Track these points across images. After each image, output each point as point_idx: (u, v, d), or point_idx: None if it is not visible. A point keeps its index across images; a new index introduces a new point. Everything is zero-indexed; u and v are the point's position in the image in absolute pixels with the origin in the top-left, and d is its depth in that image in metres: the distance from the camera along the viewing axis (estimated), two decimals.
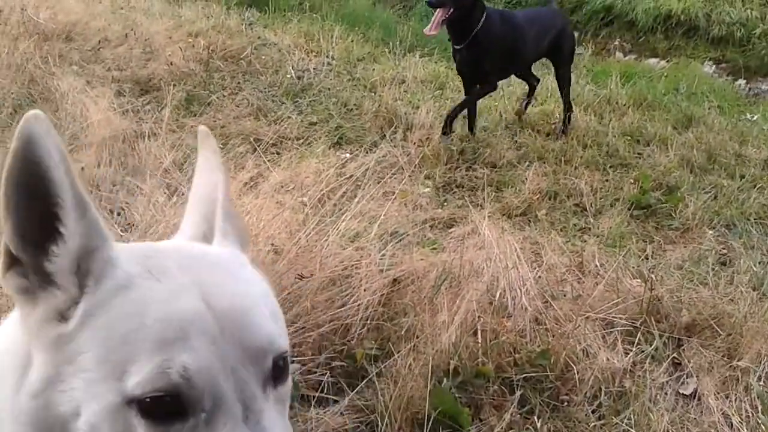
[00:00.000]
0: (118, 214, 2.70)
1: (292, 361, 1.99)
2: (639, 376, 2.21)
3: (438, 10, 3.78)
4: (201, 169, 0.86)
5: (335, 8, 7.01)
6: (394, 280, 2.36)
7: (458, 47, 3.94)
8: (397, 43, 5.78)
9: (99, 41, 4.78)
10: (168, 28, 5.06)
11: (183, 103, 4.04)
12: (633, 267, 2.84)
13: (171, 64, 4.46)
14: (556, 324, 2.30)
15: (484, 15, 3.88)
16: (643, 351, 2.31)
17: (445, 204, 3.33)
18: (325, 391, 1.97)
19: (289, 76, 4.69)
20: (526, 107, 4.58)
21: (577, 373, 2.09)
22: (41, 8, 5.08)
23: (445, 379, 1.95)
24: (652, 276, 2.64)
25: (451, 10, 3.76)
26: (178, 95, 4.05)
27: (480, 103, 4.70)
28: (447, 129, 3.95)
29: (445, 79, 5.17)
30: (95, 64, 4.47)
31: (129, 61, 4.55)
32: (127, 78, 4.13)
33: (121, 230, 2.50)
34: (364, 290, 2.26)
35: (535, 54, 4.34)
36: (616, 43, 8.15)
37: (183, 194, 2.61)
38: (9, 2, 4.93)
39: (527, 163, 3.85)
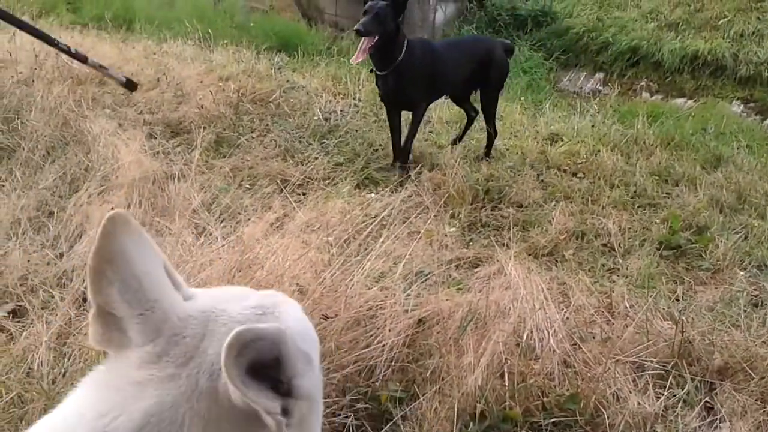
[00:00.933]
0: None
1: None
2: (671, 420, 2.15)
3: (364, 38, 3.89)
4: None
5: None
6: (419, 320, 2.34)
7: (381, 74, 4.08)
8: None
9: None
10: (199, 72, 5.19)
11: (212, 145, 4.11)
12: (663, 308, 2.79)
13: (202, 107, 4.56)
14: (586, 367, 2.25)
15: (406, 44, 4.03)
16: (674, 395, 2.25)
17: (471, 243, 3.31)
18: None
19: (316, 117, 4.75)
20: (459, 140, 4.68)
21: (608, 417, 2.04)
22: None
23: (471, 423, 1.92)
24: (683, 318, 2.58)
25: (376, 38, 3.88)
26: (208, 137, 4.12)
27: (504, 143, 4.73)
28: (403, 162, 4.15)
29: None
30: (127, 108, 4.59)
31: (161, 105, 4.66)
32: (158, 121, 4.22)
33: None
34: (389, 331, 2.24)
35: (459, 79, 4.45)
36: (643, 83, 8.15)
37: (211, 234, 2.63)
38: (44, 48, 5.08)
39: (553, 202, 3.84)
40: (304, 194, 3.66)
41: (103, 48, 5.70)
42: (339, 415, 1.99)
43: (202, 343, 0.72)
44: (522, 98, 6.31)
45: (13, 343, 2.23)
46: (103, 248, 0.70)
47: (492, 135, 4.51)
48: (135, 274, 0.71)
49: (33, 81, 4.50)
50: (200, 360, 0.70)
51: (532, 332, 2.34)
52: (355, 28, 3.94)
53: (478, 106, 4.65)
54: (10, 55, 4.83)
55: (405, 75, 4.03)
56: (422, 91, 4.23)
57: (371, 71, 4.19)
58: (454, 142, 4.65)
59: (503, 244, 3.21)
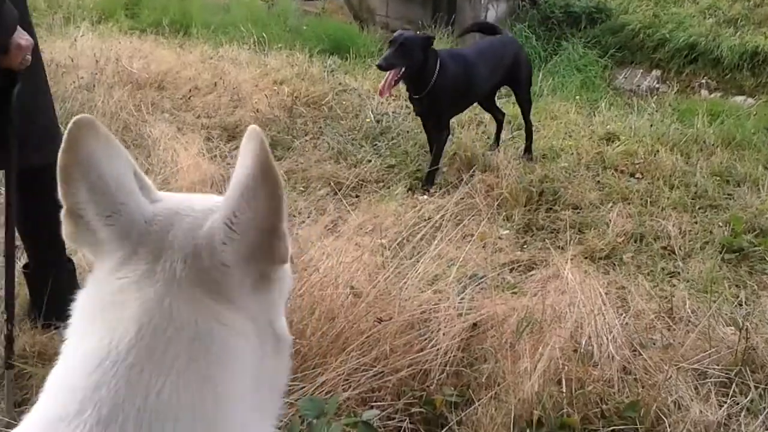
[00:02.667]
0: None
1: (371, 406, 1.99)
2: (734, 429, 2.08)
3: (389, 71, 3.71)
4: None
5: None
6: (474, 324, 2.33)
7: (417, 97, 3.92)
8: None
9: (189, 90, 5.02)
10: (254, 76, 5.27)
11: None
12: (726, 314, 2.71)
13: (257, 110, 4.63)
14: (646, 374, 2.20)
15: (438, 63, 3.83)
16: (737, 403, 2.18)
17: (525, 246, 3.28)
18: None
19: (368, 120, 4.78)
20: (496, 145, 4.51)
21: (669, 426, 1.99)
22: (135, 59, 5.38)
23: (528, 430, 1.90)
24: (747, 324, 2.50)
25: (403, 69, 3.71)
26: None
27: (559, 143, 4.66)
28: (428, 186, 3.88)
29: (521, 122, 5.13)
30: (185, 112, 4.69)
31: (218, 109, 4.75)
32: (215, 125, 4.31)
33: None
34: (443, 334, 2.24)
35: (490, 86, 4.35)
36: (702, 80, 7.92)
37: None
38: (105, 53, 5.24)
39: (611, 204, 3.76)
40: (357, 197, 3.68)
41: (161, 53, 5.84)
42: (394, 418, 1.99)
43: (168, 235, 0.72)
44: (577, 97, 6.21)
45: None
46: (70, 149, 0.71)
47: (531, 131, 4.48)
48: (102, 176, 0.72)
49: (94, 86, 4.64)
50: (170, 251, 0.71)
51: (590, 338, 2.31)
52: (376, 63, 3.84)
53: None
54: (72, 60, 4.99)
55: (440, 95, 3.90)
56: (456, 105, 4.15)
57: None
58: (491, 148, 4.51)
59: (559, 247, 3.16)
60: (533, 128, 4.55)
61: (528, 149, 4.45)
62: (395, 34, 3.85)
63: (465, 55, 4.20)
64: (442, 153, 4.07)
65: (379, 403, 2.01)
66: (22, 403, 2.09)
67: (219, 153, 3.94)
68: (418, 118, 4.28)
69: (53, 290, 2.33)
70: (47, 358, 2.26)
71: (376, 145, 4.47)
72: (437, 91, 3.85)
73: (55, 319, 2.32)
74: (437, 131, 4.04)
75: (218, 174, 3.52)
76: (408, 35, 3.78)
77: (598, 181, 4.10)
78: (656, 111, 5.82)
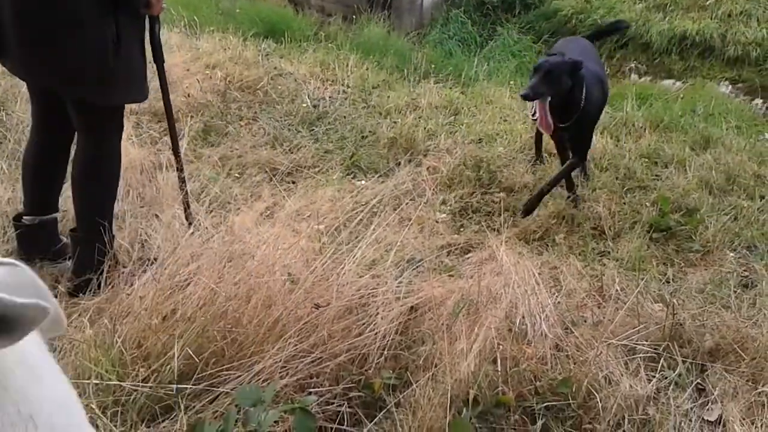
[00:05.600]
0: (141, 246, 2.72)
1: (310, 393, 1.98)
2: (663, 403, 2.16)
3: (535, 102, 3.35)
4: None
5: (350, 37, 7.07)
6: (412, 307, 2.34)
7: (563, 125, 3.49)
8: (412, 70, 5.82)
9: None
10: (186, 60, 5.13)
11: (200, 134, 4.08)
12: (654, 291, 2.81)
13: (188, 95, 4.51)
14: (577, 351, 2.26)
15: (585, 87, 3.44)
16: (666, 377, 2.27)
17: (462, 229, 3.31)
18: (343, 422, 1.94)
19: (304, 104, 4.72)
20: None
21: (600, 401, 2.05)
22: None
23: (464, 409, 1.92)
24: (674, 300, 2.60)
25: (549, 99, 3.33)
26: (196, 126, 4.09)
27: (494, 127, 4.71)
28: (532, 208, 3.49)
29: (459, 105, 5.18)
30: None
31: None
32: (145, 110, 4.17)
33: (144, 261, 2.52)
34: (381, 318, 2.24)
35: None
36: (632, 65, 8.14)
37: (201, 224, 2.62)
38: None
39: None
40: (293, 182, 3.64)
41: None
42: (333, 403, 1.99)
43: None
44: (511, 82, 6.28)
45: None
46: None
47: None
48: None
49: None
50: None
51: (524, 317, 2.35)
52: (520, 93, 3.40)
53: None
54: None
55: (587, 121, 3.54)
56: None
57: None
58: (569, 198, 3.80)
59: (494, 230, 3.21)
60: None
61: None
62: (541, 60, 3.45)
63: (600, 73, 3.77)
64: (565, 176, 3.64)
65: (317, 389, 2.01)
66: None
67: (149, 139, 3.83)
68: (356, 103, 4.23)
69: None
70: None
71: (313, 130, 4.43)
72: (584, 118, 3.48)
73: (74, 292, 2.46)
74: (578, 158, 3.63)
75: (148, 160, 3.43)
76: (555, 60, 3.37)
77: (532, 165, 4.16)
78: None
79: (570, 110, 3.44)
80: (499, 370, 2.10)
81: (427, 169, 3.91)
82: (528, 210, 3.47)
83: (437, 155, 4.11)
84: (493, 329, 2.19)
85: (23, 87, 3.95)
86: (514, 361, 2.16)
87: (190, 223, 2.75)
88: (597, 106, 3.60)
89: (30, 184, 2.63)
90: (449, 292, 2.44)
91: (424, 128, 4.55)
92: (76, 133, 2.49)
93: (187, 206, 2.83)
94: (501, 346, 2.16)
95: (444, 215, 3.41)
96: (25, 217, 2.63)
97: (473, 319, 2.25)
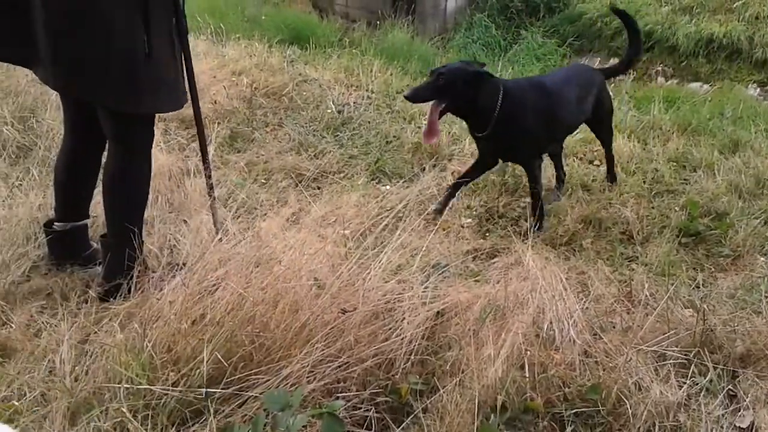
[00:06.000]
0: (170, 251, 2.76)
1: (337, 397, 1.99)
2: (694, 409, 2.14)
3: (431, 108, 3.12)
4: None
5: (374, 43, 7.10)
6: (438, 312, 2.34)
7: (480, 135, 3.34)
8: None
9: None
10: (212, 67, 5.19)
11: (227, 140, 4.12)
12: (684, 297, 2.77)
13: (215, 102, 4.56)
14: (607, 357, 2.24)
15: (501, 93, 3.21)
16: (697, 383, 2.24)
17: (488, 234, 3.30)
18: (371, 428, 1.94)
19: (329, 110, 4.75)
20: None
21: (630, 407, 2.03)
22: None
23: (492, 416, 1.92)
24: (704, 306, 2.56)
25: (443, 105, 3.12)
26: (223, 132, 4.13)
27: None
28: (539, 226, 3.39)
29: None
30: None
31: None
32: (173, 117, 4.22)
33: (173, 266, 2.55)
34: (408, 323, 2.24)
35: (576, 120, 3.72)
36: (658, 68, 8.06)
37: (228, 230, 2.64)
38: None
39: (570, 191, 3.81)
40: (319, 188, 3.66)
41: None
42: (360, 408, 1.99)
43: None
44: None
45: (38, 339, 2.25)
46: None
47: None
48: None
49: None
50: None
51: (551, 323, 2.34)
52: (404, 94, 3.22)
53: None
54: None
55: (512, 136, 3.29)
56: (537, 144, 3.46)
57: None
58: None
59: (520, 235, 3.19)
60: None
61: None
62: (442, 67, 3.22)
63: (543, 83, 3.56)
64: (541, 190, 3.45)
65: (344, 394, 2.01)
66: None
67: (177, 146, 3.87)
68: (380, 108, 4.24)
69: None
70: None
71: (337, 135, 4.45)
72: (504, 129, 3.24)
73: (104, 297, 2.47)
74: (531, 182, 3.44)
75: (176, 167, 3.47)
76: (453, 67, 3.17)
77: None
78: (614, 98, 5.89)
79: (481, 121, 3.25)
80: (527, 376, 2.09)
81: (452, 173, 3.91)
82: (539, 223, 3.39)
83: (462, 160, 4.11)
84: (521, 335, 2.18)
85: (53, 95, 4.02)
86: (542, 367, 2.15)
87: (217, 230, 2.78)
88: (533, 124, 3.32)
89: (61, 190, 2.67)
90: (475, 297, 2.43)
91: (449, 133, 4.55)
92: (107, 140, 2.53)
93: (214, 212, 2.86)
94: (528, 352, 2.15)
95: (469, 220, 3.40)
96: (56, 223, 2.68)
97: (500, 325, 2.24)
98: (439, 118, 3.13)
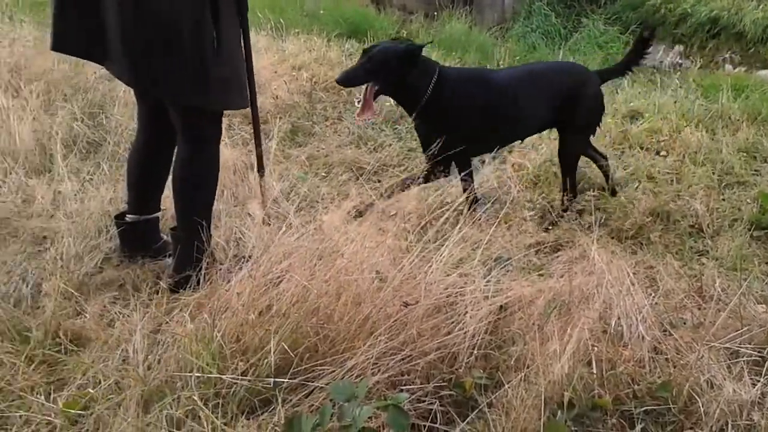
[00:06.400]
0: (236, 243, 2.82)
1: (401, 390, 2.00)
2: None
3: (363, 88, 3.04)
4: None
5: (432, 34, 7.08)
6: (501, 306, 2.32)
7: (412, 118, 3.23)
8: (495, 65, 5.76)
9: None
10: (273, 62, 5.26)
11: (288, 135, 4.18)
12: (757, 292, 2.68)
13: (276, 97, 4.63)
14: (677, 354, 2.18)
15: (435, 77, 3.07)
16: None
17: (551, 228, 3.25)
18: (436, 421, 1.95)
19: (387, 103, 4.75)
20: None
21: (702, 405, 1.97)
22: None
23: (559, 412, 1.89)
24: None
25: (375, 87, 3.04)
26: (284, 127, 4.19)
27: None
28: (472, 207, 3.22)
29: None
30: None
31: None
32: (236, 112, 4.31)
33: (239, 259, 2.61)
34: (470, 317, 2.23)
35: (536, 121, 3.41)
36: (725, 55, 7.79)
37: (291, 224, 2.68)
38: None
39: (636, 183, 3.72)
40: (379, 181, 3.67)
41: None
42: (424, 401, 1.99)
43: None
44: None
45: (111, 329, 2.33)
46: None
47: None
48: None
49: None
50: None
51: (619, 318, 2.29)
52: (336, 78, 3.14)
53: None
54: None
55: (438, 122, 3.12)
56: (473, 139, 3.20)
57: None
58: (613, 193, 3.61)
59: (585, 228, 3.14)
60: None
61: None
62: (374, 46, 3.14)
63: (487, 74, 3.43)
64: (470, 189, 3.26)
65: (408, 387, 2.02)
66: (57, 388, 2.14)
67: (241, 140, 3.95)
68: None
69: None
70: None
71: (396, 128, 4.45)
72: (433, 114, 3.11)
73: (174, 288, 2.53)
74: (464, 181, 3.24)
75: (240, 161, 3.53)
76: (384, 47, 3.07)
77: (622, 161, 4.05)
78: (680, 87, 5.73)
79: (410, 103, 3.12)
80: (595, 372, 2.05)
81: (512, 166, 3.86)
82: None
83: (522, 152, 4.06)
84: (587, 330, 2.14)
85: (122, 91, 4.16)
86: (610, 363, 2.10)
87: (265, 210, 2.82)
88: (464, 118, 3.15)
89: (133, 183, 2.76)
90: (539, 292, 2.40)
91: None
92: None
93: (265, 205, 2.89)
94: (596, 348, 2.12)
95: (531, 213, 3.36)
96: (128, 216, 2.76)
97: (565, 320, 2.20)
98: (374, 99, 3.07)
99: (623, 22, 8.44)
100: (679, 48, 8.18)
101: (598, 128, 3.56)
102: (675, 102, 5.09)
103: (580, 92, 3.38)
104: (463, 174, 3.23)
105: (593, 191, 3.60)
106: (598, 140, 4.30)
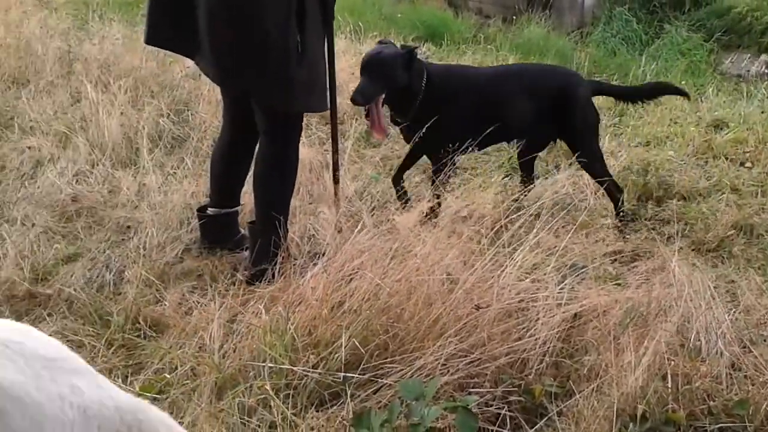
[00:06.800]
0: (309, 240, 2.88)
1: (469, 392, 2.00)
2: None
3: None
4: None
5: (509, 38, 7.01)
6: (575, 315, 2.28)
7: (400, 123, 3.22)
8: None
9: None
10: (351, 65, 5.31)
11: (363, 135, 4.22)
12: None
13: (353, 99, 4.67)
14: (756, 371, 2.10)
15: (426, 79, 3.06)
16: None
17: (628, 237, 3.18)
18: (504, 426, 1.94)
19: None
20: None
21: None
22: None
23: (631, 424, 1.85)
24: None
25: (382, 96, 3.01)
26: (360, 128, 4.23)
27: (664, 129, 4.48)
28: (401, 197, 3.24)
29: (624, 105, 4.96)
30: None
31: None
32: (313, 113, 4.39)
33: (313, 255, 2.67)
34: (542, 324, 2.21)
35: (518, 123, 3.31)
36: None
37: (365, 224, 2.71)
38: None
39: (720, 194, 3.59)
40: (452, 184, 3.66)
41: None
42: (492, 405, 1.99)
43: None
44: (682, 82, 5.94)
45: (189, 317, 2.42)
46: None
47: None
48: None
49: (200, 75, 4.79)
50: None
51: (697, 333, 2.22)
52: (351, 98, 3.09)
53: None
54: None
55: (432, 124, 3.02)
56: (458, 136, 3.11)
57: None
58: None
59: (665, 238, 3.05)
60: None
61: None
62: (368, 53, 3.13)
63: (470, 75, 3.44)
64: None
65: (476, 390, 2.01)
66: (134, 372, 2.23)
67: (317, 140, 4.01)
68: None
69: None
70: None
71: None
72: (427, 114, 3.04)
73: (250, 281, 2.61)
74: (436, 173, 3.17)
75: (316, 160, 3.60)
76: (384, 53, 3.04)
77: (706, 171, 3.92)
78: (767, 98, 5.49)
79: (404, 105, 3.07)
80: (670, 386, 2.00)
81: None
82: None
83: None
84: (663, 343, 2.09)
85: (206, 89, 4.29)
86: (686, 378, 2.05)
87: (337, 207, 2.87)
88: (457, 114, 3.11)
89: (216, 178, 2.85)
90: (615, 302, 2.35)
91: None
92: None
93: (338, 211, 2.89)
94: (672, 362, 2.06)
95: (608, 221, 3.29)
96: (209, 209, 2.86)
97: (641, 332, 2.15)
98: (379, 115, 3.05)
99: (707, 29, 8.13)
100: (765, 57, 7.85)
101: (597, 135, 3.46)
102: (762, 112, 4.89)
103: (568, 95, 3.29)
104: (438, 167, 3.19)
105: (675, 200, 3.49)
106: (681, 148, 4.19)
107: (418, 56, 3.13)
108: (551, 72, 3.61)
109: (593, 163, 3.32)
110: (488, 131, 3.13)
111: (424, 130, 3.01)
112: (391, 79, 2.99)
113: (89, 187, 3.46)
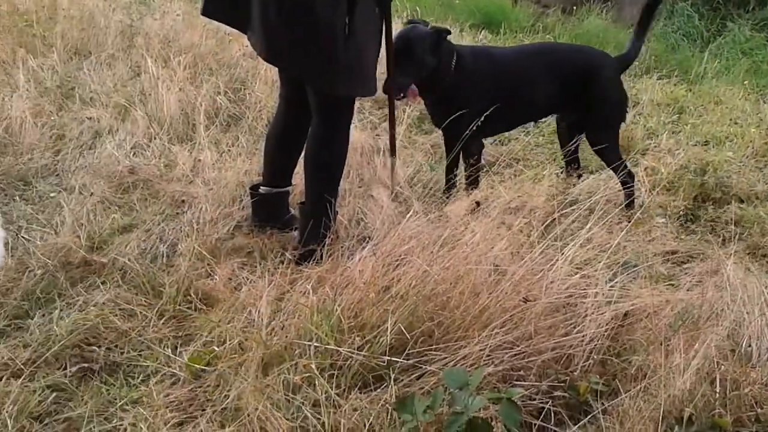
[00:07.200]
0: (357, 223, 2.89)
1: (513, 384, 1.99)
2: None
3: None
4: None
5: (569, 29, 6.89)
6: (625, 313, 2.25)
7: (428, 103, 3.25)
8: (633, 64, 5.53)
9: None
10: None
11: (415, 122, 4.21)
12: None
13: None
14: None
15: (455, 59, 3.05)
16: None
17: (683, 237, 3.11)
18: (547, 420, 1.92)
19: None
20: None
21: None
22: None
23: (677, 427, 1.82)
24: None
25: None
26: (412, 114, 4.22)
27: (724, 130, 4.35)
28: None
29: (684, 103, 4.84)
30: None
31: None
32: (367, 98, 4.39)
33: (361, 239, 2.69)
34: (590, 321, 2.18)
35: (545, 102, 3.32)
36: None
37: (415, 210, 2.71)
38: None
39: None
40: (504, 174, 3.63)
41: None
42: (535, 399, 1.98)
43: None
44: (744, 82, 5.76)
45: (238, 293, 2.46)
46: None
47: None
48: None
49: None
50: None
51: (749, 339, 2.17)
52: (384, 89, 2.94)
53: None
54: None
55: (453, 105, 3.05)
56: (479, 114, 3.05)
57: None
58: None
59: (720, 240, 2.98)
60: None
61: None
62: (396, 37, 2.94)
63: (491, 52, 3.41)
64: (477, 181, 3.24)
65: (520, 383, 2.00)
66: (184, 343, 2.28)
67: (370, 124, 4.02)
68: None
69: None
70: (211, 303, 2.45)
71: None
72: (455, 93, 3.07)
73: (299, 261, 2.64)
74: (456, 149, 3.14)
75: (368, 144, 3.61)
76: (414, 35, 2.99)
77: (765, 173, 3.80)
78: None
79: (434, 84, 3.06)
80: (718, 391, 1.96)
81: (645, 169, 3.71)
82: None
83: (657, 156, 3.88)
84: (714, 347, 2.05)
85: (263, 69, 4.34)
86: (734, 383, 2.00)
87: (392, 191, 2.92)
88: (479, 94, 3.09)
89: (270, 158, 2.88)
90: (666, 302, 2.31)
91: (644, 126, 4.33)
92: None
93: (393, 188, 2.96)
94: (722, 366, 2.02)
95: (663, 220, 3.22)
96: (262, 188, 2.90)
97: (692, 335, 2.11)
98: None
99: None
100: None
101: (622, 120, 3.43)
102: None
103: (594, 75, 3.26)
104: (472, 151, 3.22)
105: (734, 203, 3.40)
106: (741, 150, 4.07)
107: (448, 39, 3.10)
108: (577, 51, 3.57)
109: (608, 148, 3.29)
110: (515, 111, 3.22)
111: (452, 112, 3.03)
112: (421, 66, 2.98)
113: (146, 160, 3.53)
